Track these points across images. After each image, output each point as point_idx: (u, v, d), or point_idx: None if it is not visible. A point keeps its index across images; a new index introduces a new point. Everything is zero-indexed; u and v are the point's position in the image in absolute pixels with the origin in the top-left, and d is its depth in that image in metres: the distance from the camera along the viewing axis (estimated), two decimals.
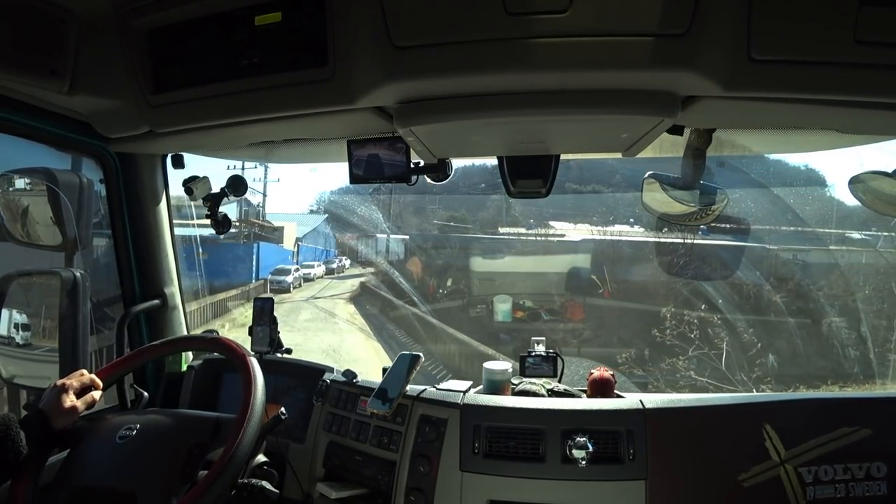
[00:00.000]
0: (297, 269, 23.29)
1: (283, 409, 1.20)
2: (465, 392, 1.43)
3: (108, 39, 1.13)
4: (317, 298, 20.07)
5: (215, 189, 1.59)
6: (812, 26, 0.82)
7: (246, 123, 1.15)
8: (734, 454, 1.26)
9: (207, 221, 1.61)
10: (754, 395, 1.36)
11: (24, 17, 1.04)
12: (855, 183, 1.36)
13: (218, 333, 1.40)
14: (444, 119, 1.00)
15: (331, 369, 1.63)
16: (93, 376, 1.15)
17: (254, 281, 20.57)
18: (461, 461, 1.32)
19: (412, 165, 1.31)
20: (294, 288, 21.94)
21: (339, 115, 1.07)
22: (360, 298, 18.93)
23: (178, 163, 1.61)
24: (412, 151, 1.29)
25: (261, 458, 1.19)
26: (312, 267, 26.72)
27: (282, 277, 21.32)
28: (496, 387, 1.48)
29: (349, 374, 1.55)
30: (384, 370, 1.49)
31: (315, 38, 0.98)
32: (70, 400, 1.09)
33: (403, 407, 1.41)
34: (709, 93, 0.91)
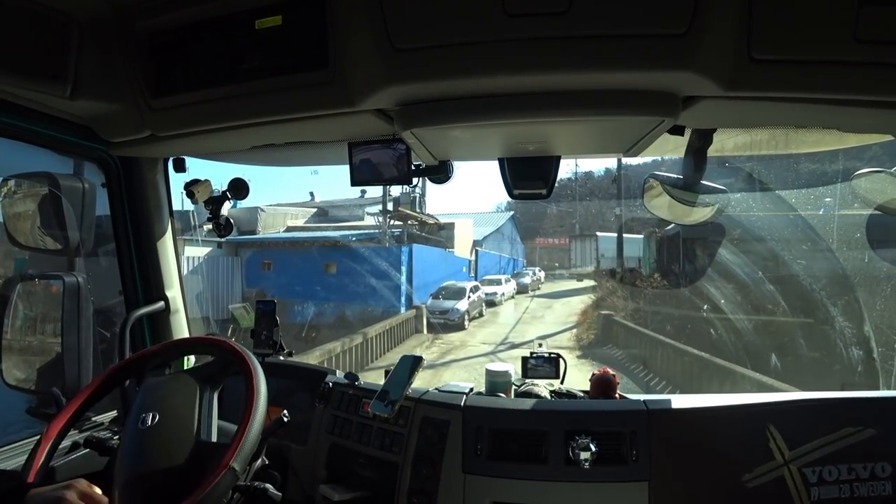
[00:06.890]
0: (474, 289, 14.09)
1: (285, 411, 1.20)
2: (467, 394, 1.43)
3: (109, 43, 1.14)
4: (514, 347, 10.17)
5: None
6: (812, 25, 0.82)
7: (247, 126, 1.16)
8: (738, 455, 1.26)
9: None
10: (758, 396, 1.35)
11: (25, 21, 1.04)
12: (856, 180, 1.36)
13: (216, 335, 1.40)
14: (444, 121, 1.00)
15: (333, 372, 1.63)
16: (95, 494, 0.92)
17: (403, 309, 11.85)
18: (464, 463, 1.32)
19: (413, 167, 1.31)
20: (471, 320, 12.68)
21: (339, 117, 1.07)
22: (603, 348, 9.87)
23: (180, 167, 1.61)
24: (413, 153, 1.30)
25: (263, 460, 1.19)
26: (499, 283, 16.64)
27: (449, 304, 12.14)
28: (498, 388, 1.48)
29: (351, 377, 1.55)
30: (386, 372, 1.49)
31: (315, 41, 0.98)
32: None
33: (406, 409, 1.41)
34: (709, 93, 0.91)
